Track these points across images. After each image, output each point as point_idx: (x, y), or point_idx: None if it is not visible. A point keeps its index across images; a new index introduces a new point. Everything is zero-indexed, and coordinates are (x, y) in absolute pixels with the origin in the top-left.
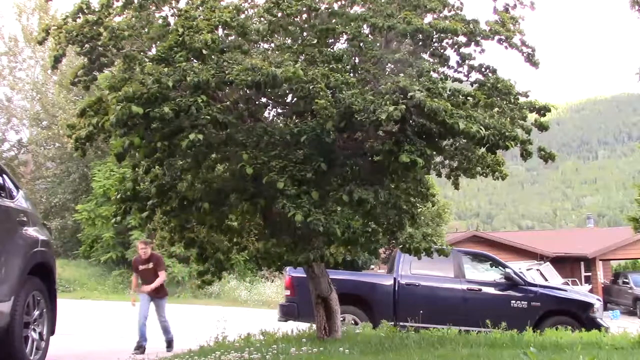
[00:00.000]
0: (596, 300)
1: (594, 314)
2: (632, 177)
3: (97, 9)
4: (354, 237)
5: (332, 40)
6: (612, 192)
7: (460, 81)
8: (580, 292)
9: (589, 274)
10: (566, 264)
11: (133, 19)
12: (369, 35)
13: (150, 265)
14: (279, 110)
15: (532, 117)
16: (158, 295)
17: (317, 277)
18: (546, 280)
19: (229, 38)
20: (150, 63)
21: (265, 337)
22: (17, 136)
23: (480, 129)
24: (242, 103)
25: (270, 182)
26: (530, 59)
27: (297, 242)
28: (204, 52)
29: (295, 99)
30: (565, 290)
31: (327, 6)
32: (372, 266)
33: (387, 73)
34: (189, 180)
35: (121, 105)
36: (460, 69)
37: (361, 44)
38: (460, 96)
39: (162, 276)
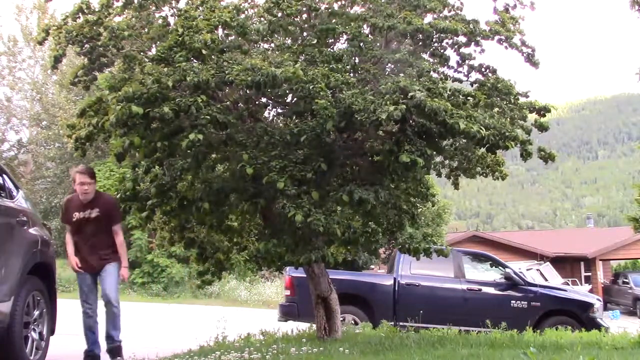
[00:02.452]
0: (596, 300)
1: (594, 314)
2: (632, 177)
3: (97, 9)
4: (354, 237)
5: (332, 40)
6: (612, 192)
7: (460, 81)
8: (580, 292)
9: (589, 274)
10: (566, 264)
11: (133, 19)
12: (369, 35)
13: (94, 212)
14: (279, 110)
15: (532, 117)
16: (107, 259)
17: (317, 277)
18: (546, 280)
19: (229, 38)
20: (150, 63)
21: (265, 337)
22: (17, 136)
23: (481, 129)
24: (242, 103)
25: (270, 182)
26: (530, 59)
27: (298, 242)
28: (204, 52)
29: (295, 99)
30: (565, 290)
31: (327, 6)
32: (372, 266)
33: (387, 73)
34: (189, 180)
35: (121, 105)
36: (460, 69)
37: (361, 44)
38: (461, 96)
39: (120, 234)
